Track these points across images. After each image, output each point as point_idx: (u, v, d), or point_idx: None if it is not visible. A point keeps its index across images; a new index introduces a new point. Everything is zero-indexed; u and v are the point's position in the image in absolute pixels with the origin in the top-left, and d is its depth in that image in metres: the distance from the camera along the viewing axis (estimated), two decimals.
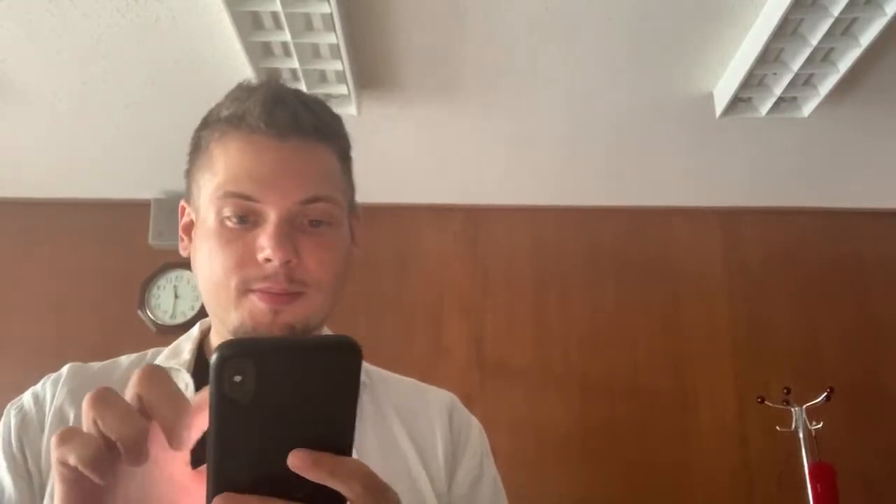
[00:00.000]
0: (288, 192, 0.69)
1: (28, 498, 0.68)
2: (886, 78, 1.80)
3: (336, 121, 0.78)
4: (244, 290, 0.69)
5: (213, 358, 0.42)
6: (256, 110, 0.70)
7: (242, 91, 0.74)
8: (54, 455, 0.43)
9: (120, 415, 0.42)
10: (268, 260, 0.68)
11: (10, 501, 0.68)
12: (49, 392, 0.74)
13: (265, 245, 0.67)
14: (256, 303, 0.69)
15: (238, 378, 0.42)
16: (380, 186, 2.38)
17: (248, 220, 0.69)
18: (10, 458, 0.70)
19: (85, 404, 0.43)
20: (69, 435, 0.43)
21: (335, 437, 0.45)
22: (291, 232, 0.69)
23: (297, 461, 0.43)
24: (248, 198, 0.69)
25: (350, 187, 0.79)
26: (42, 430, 0.71)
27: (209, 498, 0.43)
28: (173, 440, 0.43)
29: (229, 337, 0.72)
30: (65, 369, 0.77)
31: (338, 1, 1.46)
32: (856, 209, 2.56)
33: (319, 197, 0.71)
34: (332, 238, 0.72)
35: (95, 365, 0.79)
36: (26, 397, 0.75)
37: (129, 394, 0.44)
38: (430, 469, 0.77)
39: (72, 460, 0.42)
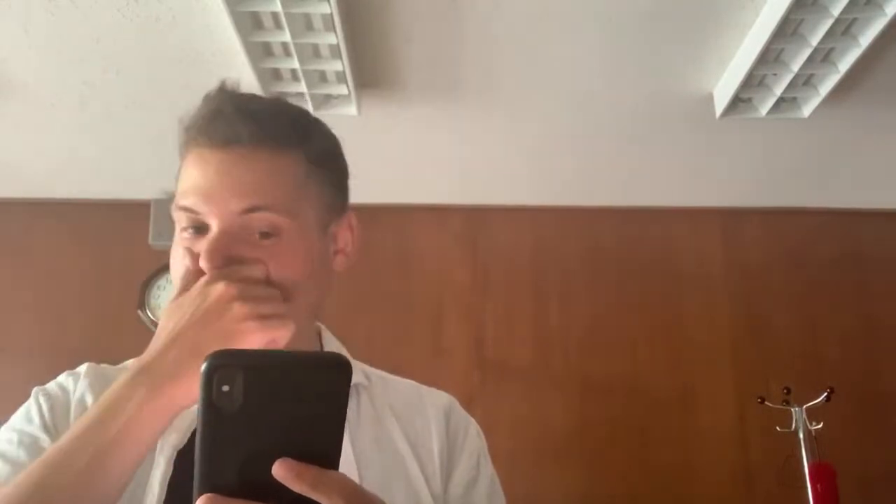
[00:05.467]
0: (226, 203, 0.69)
1: None
2: (886, 78, 1.80)
3: (297, 125, 0.76)
4: None
5: (203, 366, 0.44)
6: (198, 123, 0.72)
7: (202, 101, 0.75)
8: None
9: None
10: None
11: None
12: (72, 383, 0.77)
13: (202, 255, 0.68)
14: None
15: (226, 388, 0.44)
16: (380, 186, 2.37)
17: (200, 229, 0.71)
18: (49, 433, 0.71)
19: None
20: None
21: (321, 450, 0.46)
22: (232, 243, 0.68)
23: (281, 471, 0.44)
24: (192, 211, 0.70)
25: (324, 195, 0.76)
26: (68, 416, 0.73)
27: (195, 498, 0.44)
28: None
29: None
30: (83, 367, 0.79)
31: (338, 1, 1.46)
32: (856, 209, 2.56)
33: (258, 207, 0.69)
34: (284, 248, 0.70)
35: (108, 368, 0.81)
36: (51, 385, 0.77)
37: None
38: (426, 470, 0.77)
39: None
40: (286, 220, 0.70)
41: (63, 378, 0.78)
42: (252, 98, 0.76)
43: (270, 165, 0.71)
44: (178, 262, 0.71)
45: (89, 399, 0.74)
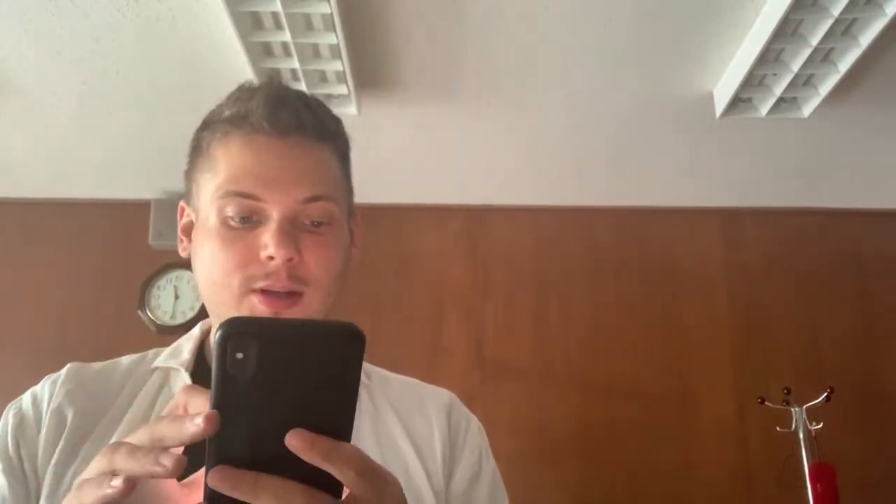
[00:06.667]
0: (290, 190, 0.70)
1: (23, 499, 0.68)
2: (886, 78, 1.80)
3: (336, 122, 0.78)
4: (246, 291, 0.69)
5: (218, 333, 0.43)
6: (259, 110, 0.71)
7: (244, 92, 0.74)
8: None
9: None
10: (270, 258, 0.68)
11: (4, 502, 0.68)
12: (47, 393, 0.75)
13: (268, 243, 0.68)
14: (257, 305, 0.69)
15: (240, 355, 0.43)
16: (380, 186, 2.37)
17: (250, 219, 0.69)
18: (5, 459, 0.70)
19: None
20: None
21: (334, 421, 0.45)
22: (293, 230, 0.69)
23: (294, 441, 0.44)
24: (250, 196, 0.69)
25: (349, 189, 0.79)
26: (38, 431, 0.72)
27: (207, 469, 0.44)
28: None
29: None
30: (64, 370, 0.77)
31: (338, 1, 1.46)
32: (856, 209, 2.56)
33: (320, 196, 0.71)
34: (333, 238, 0.73)
35: (96, 365, 0.79)
36: (25, 398, 0.75)
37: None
38: (427, 467, 0.77)
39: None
40: (338, 211, 0.73)
41: (40, 387, 0.76)
42: (301, 91, 0.77)
43: (322, 156, 0.74)
44: (228, 253, 0.68)
45: (68, 410, 0.72)
